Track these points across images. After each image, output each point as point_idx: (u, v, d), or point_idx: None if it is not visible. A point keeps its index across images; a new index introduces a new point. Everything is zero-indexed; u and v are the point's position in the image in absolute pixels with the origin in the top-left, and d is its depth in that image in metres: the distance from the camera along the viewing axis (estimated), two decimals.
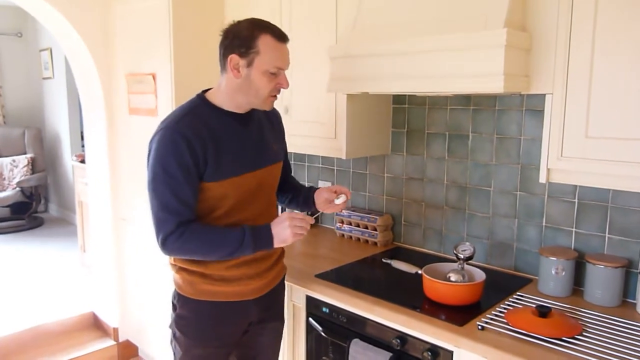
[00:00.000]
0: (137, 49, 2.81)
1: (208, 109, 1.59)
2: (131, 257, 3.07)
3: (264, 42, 1.50)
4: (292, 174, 2.02)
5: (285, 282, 1.99)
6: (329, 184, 2.65)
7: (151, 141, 1.55)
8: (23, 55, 6.53)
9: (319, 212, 1.85)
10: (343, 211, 2.47)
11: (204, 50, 2.66)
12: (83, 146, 5.63)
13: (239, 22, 1.55)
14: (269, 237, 1.56)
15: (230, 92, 1.58)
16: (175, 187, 1.49)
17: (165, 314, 2.77)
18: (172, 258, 1.66)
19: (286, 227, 1.54)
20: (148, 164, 1.56)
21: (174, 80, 2.55)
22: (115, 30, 2.95)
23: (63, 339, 3.40)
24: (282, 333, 1.89)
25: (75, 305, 3.73)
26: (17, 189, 5.86)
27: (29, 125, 6.42)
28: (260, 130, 1.69)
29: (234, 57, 1.51)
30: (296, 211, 1.79)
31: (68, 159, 6.06)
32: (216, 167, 1.54)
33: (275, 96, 1.60)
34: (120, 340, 3.29)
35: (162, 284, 2.77)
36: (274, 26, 1.55)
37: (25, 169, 5.97)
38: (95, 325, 3.56)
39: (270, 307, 1.79)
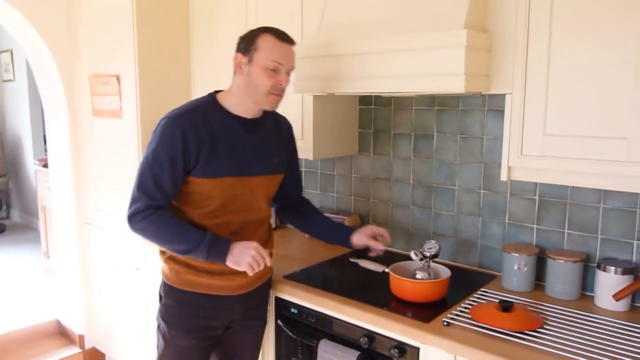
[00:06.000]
0: (101, 50, 2.76)
1: (215, 108, 1.65)
2: (97, 262, 3.01)
3: (264, 40, 1.59)
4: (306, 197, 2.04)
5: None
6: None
7: (156, 125, 1.63)
8: None
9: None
10: None
11: (169, 50, 2.63)
12: (46, 150, 5.49)
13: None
14: (225, 253, 1.58)
15: (239, 94, 1.65)
16: (157, 173, 1.58)
17: (132, 320, 2.73)
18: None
19: (247, 255, 1.57)
20: (147, 144, 1.64)
21: (139, 81, 2.52)
22: (78, 31, 2.89)
23: (27, 348, 3.31)
24: (263, 332, 1.92)
25: (39, 312, 3.63)
26: None
27: None
28: (264, 140, 1.72)
29: (237, 56, 1.62)
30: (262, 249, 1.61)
31: (30, 164, 5.90)
32: (205, 165, 1.59)
33: (276, 95, 1.63)
34: (87, 347, 3.22)
35: (129, 289, 2.73)
36: (279, 29, 1.62)
37: None
38: (60, 333, 3.47)
39: (253, 307, 1.83)
